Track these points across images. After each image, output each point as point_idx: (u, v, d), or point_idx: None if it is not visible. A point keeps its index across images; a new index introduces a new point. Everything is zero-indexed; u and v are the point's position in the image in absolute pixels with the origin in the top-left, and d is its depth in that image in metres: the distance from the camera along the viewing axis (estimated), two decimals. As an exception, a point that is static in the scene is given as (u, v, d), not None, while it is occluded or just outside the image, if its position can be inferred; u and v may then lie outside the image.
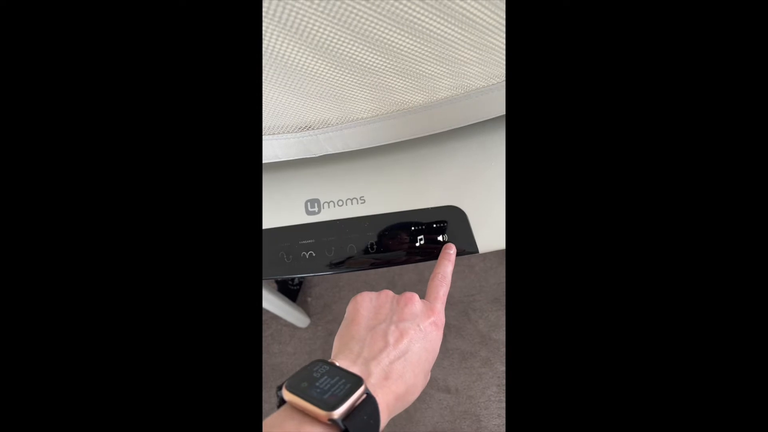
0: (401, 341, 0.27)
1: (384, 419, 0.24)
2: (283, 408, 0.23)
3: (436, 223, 0.39)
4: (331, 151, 0.35)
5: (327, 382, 0.23)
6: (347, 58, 0.24)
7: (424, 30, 0.23)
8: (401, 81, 0.27)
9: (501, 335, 0.89)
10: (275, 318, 0.93)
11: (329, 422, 0.21)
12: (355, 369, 0.25)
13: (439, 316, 0.31)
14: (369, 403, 0.23)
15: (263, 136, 0.32)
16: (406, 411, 0.87)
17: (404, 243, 0.39)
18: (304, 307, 0.96)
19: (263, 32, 0.21)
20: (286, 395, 0.23)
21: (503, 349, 0.88)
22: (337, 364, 0.25)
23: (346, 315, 0.31)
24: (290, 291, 0.97)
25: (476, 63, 0.27)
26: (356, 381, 0.23)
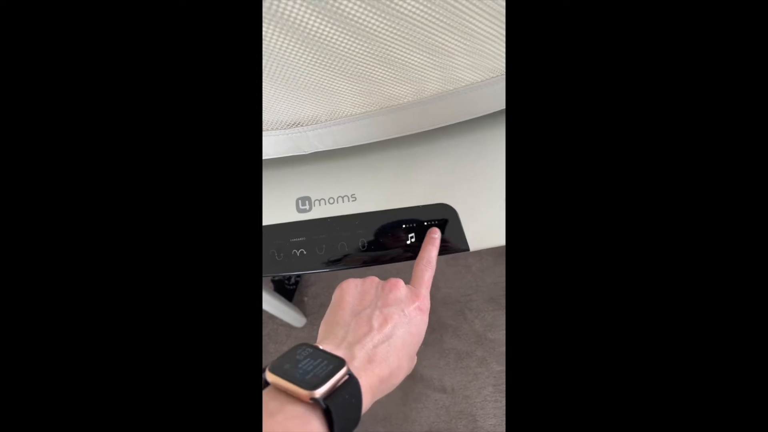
0: (385, 326, 0.28)
1: (367, 401, 0.24)
2: (266, 389, 0.23)
3: (427, 221, 0.39)
4: (321, 148, 0.35)
5: (310, 364, 0.24)
6: (321, 40, 0.23)
7: (398, 11, 0.22)
8: (384, 70, 0.26)
9: (497, 335, 0.89)
10: (271, 317, 0.93)
11: (311, 401, 0.22)
12: (339, 352, 0.26)
13: (424, 301, 0.31)
14: (351, 383, 0.23)
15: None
16: (402, 411, 0.87)
17: (395, 241, 0.39)
18: (301, 307, 0.96)
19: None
20: (269, 377, 0.23)
21: (499, 349, 0.88)
22: (321, 347, 0.26)
23: (332, 300, 0.31)
24: (286, 290, 0.97)
25: (462, 53, 0.26)
26: (338, 362, 0.24)
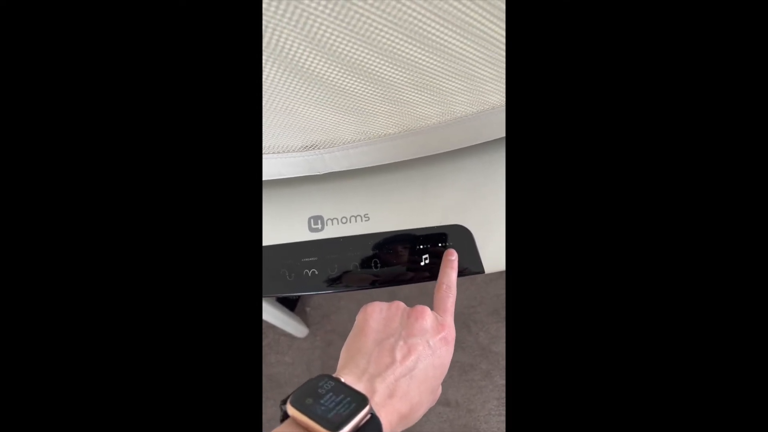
0: (408, 358, 0.27)
1: None
2: (286, 423, 0.23)
3: (441, 242, 0.38)
4: (336, 169, 0.34)
5: (332, 400, 0.23)
6: (367, 71, 0.23)
7: (443, 47, 0.22)
8: (417, 95, 0.26)
9: (501, 348, 0.89)
10: (273, 328, 0.91)
11: None
12: (360, 386, 0.25)
13: (450, 331, 0.30)
14: (372, 423, 0.23)
15: (267, 155, 0.32)
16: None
17: (409, 262, 0.38)
18: (303, 317, 0.95)
19: (287, 46, 0.21)
20: (291, 410, 0.23)
21: (504, 362, 0.87)
22: (343, 380, 0.25)
23: (355, 324, 0.31)
24: (289, 301, 0.96)
25: (492, 80, 0.26)
26: (361, 400, 0.23)
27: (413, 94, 0.26)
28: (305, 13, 0.19)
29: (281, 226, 0.40)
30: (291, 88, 0.24)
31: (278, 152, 0.31)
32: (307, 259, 0.39)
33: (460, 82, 0.26)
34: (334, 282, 0.39)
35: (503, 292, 0.93)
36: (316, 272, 0.39)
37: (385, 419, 0.24)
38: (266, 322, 0.84)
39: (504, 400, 0.84)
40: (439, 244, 0.38)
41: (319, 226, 0.39)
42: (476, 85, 0.26)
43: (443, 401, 0.86)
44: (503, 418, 0.83)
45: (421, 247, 0.38)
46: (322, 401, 0.23)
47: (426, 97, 0.26)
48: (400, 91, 0.25)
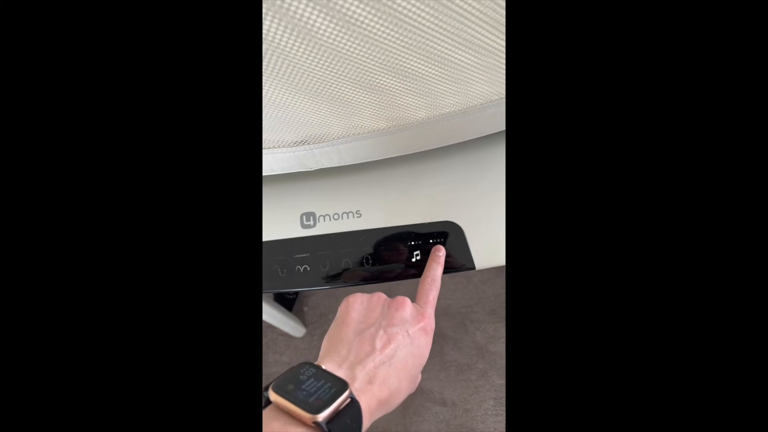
0: (388, 346, 0.28)
1: (366, 423, 0.25)
2: (269, 408, 0.24)
3: (432, 238, 0.39)
4: (326, 165, 0.34)
5: (313, 385, 0.24)
6: (338, 49, 0.23)
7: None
8: (398, 82, 0.26)
9: (498, 347, 0.88)
10: (271, 327, 0.92)
11: (313, 425, 0.22)
12: (340, 373, 0.26)
13: (429, 321, 0.31)
14: (352, 407, 0.24)
15: (258, 150, 0.32)
16: (402, 423, 0.86)
17: (400, 258, 0.39)
18: (300, 317, 0.95)
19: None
20: (272, 396, 0.23)
21: (501, 362, 0.87)
22: (324, 367, 0.26)
23: (337, 315, 0.31)
24: (286, 300, 0.96)
25: (477, 68, 0.26)
26: (341, 385, 0.24)
27: (389, 79, 0.26)
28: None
29: (274, 222, 0.40)
30: (274, 75, 0.24)
31: (268, 147, 0.32)
32: (299, 256, 0.39)
33: (439, 68, 0.26)
34: (327, 278, 0.39)
35: (500, 291, 0.93)
36: (308, 268, 0.39)
37: (365, 404, 0.24)
38: (264, 322, 0.84)
39: (501, 400, 0.84)
40: (431, 241, 0.39)
41: (312, 222, 0.40)
42: (459, 73, 0.26)
43: (440, 401, 0.86)
44: (500, 418, 0.83)
45: (413, 243, 0.39)
46: (303, 387, 0.24)
47: (406, 84, 0.26)
48: (375, 76, 0.25)
